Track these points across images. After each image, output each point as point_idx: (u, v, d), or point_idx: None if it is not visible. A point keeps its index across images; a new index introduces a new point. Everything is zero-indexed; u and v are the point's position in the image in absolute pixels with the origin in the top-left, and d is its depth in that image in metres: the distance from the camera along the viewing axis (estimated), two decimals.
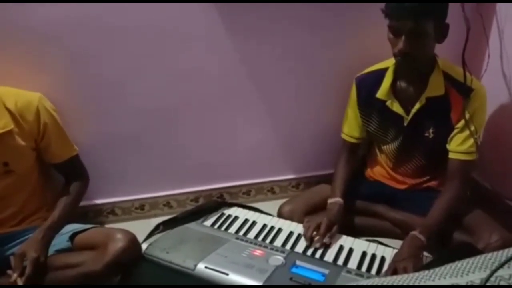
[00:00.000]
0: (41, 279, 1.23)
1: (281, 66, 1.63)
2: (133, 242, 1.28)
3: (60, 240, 1.32)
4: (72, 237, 1.33)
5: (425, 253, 1.33)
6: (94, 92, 1.52)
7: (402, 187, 1.56)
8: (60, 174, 1.47)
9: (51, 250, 1.29)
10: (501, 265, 0.67)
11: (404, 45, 1.27)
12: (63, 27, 1.40)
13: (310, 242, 1.39)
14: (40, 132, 1.33)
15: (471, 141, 1.37)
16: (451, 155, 1.41)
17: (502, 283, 0.67)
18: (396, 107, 1.42)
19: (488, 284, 0.65)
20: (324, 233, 1.38)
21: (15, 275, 1.17)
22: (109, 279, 1.27)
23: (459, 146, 1.38)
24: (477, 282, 0.69)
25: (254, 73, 1.62)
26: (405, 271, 1.22)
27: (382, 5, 1.29)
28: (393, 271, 1.25)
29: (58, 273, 1.25)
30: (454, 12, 1.33)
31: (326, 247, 1.38)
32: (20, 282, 1.16)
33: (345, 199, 1.48)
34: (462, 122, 1.37)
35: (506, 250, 0.74)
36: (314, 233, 1.39)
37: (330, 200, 1.48)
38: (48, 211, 1.38)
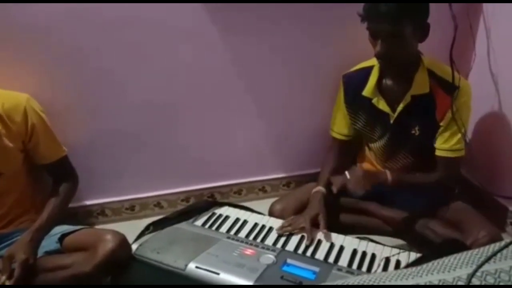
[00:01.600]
0: (30, 281, 1.22)
1: (272, 66, 1.63)
2: (122, 243, 1.28)
3: (49, 242, 1.31)
4: (61, 239, 1.32)
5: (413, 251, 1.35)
6: (82, 93, 1.52)
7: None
8: (49, 176, 1.45)
9: (40, 252, 1.28)
10: (486, 260, 0.67)
11: (381, 47, 1.27)
12: (55, 24, 1.39)
13: (281, 230, 1.43)
14: (28, 133, 1.32)
15: (457, 138, 1.39)
16: (437, 152, 1.42)
17: (488, 278, 0.68)
18: (382, 105, 1.43)
19: (473, 279, 0.66)
20: (311, 222, 1.39)
21: (3, 278, 1.16)
22: (100, 280, 1.27)
23: (444, 143, 1.40)
24: (464, 277, 0.69)
25: (244, 73, 1.62)
26: (349, 181, 1.34)
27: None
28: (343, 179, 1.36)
29: (47, 275, 1.24)
30: (441, 11, 1.35)
31: (317, 244, 1.38)
32: (8, 284, 1.15)
33: (331, 194, 1.47)
34: (447, 120, 1.38)
35: (492, 245, 0.75)
36: (303, 225, 1.41)
37: (313, 190, 1.49)
38: (37, 213, 1.36)
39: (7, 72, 1.40)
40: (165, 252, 1.33)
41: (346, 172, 1.38)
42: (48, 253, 1.30)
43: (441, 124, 1.39)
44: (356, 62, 1.51)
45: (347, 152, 1.63)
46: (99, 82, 1.51)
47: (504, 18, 1.53)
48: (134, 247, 1.35)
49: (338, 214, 1.53)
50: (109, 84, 1.53)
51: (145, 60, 1.52)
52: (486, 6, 1.60)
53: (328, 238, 1.41)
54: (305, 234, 1.40)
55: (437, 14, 1.31)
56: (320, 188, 1.49)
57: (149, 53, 1.51)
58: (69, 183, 1.44)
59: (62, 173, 1.44)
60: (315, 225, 1.41)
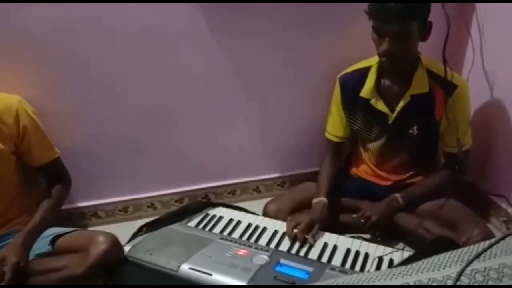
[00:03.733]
0: (22, 284, 1.21)
1: (266, 67, 1.63)
2: (115, 244, 1.27)
3: (41, 244, 1.30)
4: (53, 241, 1.31)
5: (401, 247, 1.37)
6: (76, 95, 1.51)
7: (386, 183, 1.57)
8: (42, 178, 1.44)
9: (32, 255, 1.28)
10: (474, 258, 0.67)
11: (388, 46, 1.28)
12: (51, 27, 1.38)
13: (293, 240, 1.39)
14: (20, 135, 1.32)
15: (462, 133, 1.41)
16: (446, 149, 1.47)
17: (477, 276, 0.68)
18: (381, 106, 1.43)
19: (462, 277, 0.66)
20: (304, 229, 1.38)
21: None
22: (92, 283, 1.26)
23: (452, 141, 1.41)
24: (453, 275, 0.69)
25: (238, 74, 1.61)
26: (368, 219, 1.41)
27: (366, 4, 1.29)
28: (360, 215, 1.43)
29: (39, 277, 1.24)
30: (437, 9, 1.35)
31: (310, 244, 1.37)
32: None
33: (329, 197, 1.48)
34: (449, 118, 1.39)
35: (481, 244, 0.75)
36: (295, 230, 1.39)
37: (314, 200, 1.48)
38: (30, 215, 1.36)
39: (3, 75, 1.39)
40: (158, 253, 1.32)
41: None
42: (40, 255, 1.29)
43: (442, 122, 1.40)
44: (351, 62, 1.51)
45: (342, 155, 1.64)
46: (93, 85, 1.51)
47: (497, 17, 1.54)
48: (127, 248, 1.35)
49: (332, 214, 1.52)
50: (104, 86, 1.51)
51: (140, 62, 1.51)
52: (479, 5, 1.60)
53: (321, 237, 1.41)
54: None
55: (432, 14, 1.31)
56: (322, 199, 1.47)
57: (144, 55, 1.51)
58: (62, 185, 1.44)
59: (55, 175, 1.43)
60: (310, 228, 1.40)
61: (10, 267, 1.17)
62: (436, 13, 1.33)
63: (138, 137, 1.62)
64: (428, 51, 1.41)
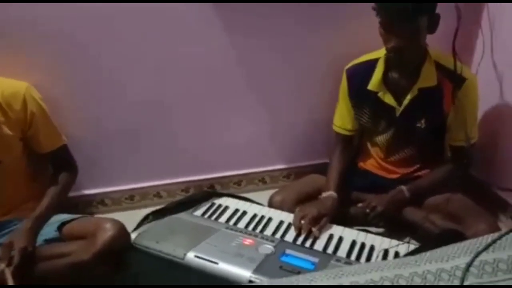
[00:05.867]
0: (29, 269, 1.22)
1: (272, 57, 1.62)
2: (121, 231, 1.28)
3: (48, 230, 1.31)
4: (60, 227, 1.32)
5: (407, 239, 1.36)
6: (84, 83, 1.51)
7: (394, 176, 1.56)
8: (49, 164, 1.45)
9: (39, 240, 1.29)
10: (483, 249, 0.67)
11: (396, 42, 1.27)
12: (56, 18, 1.38)
13: (299, 231, 1.39)
14: (27, 122, 1.32)
15: (471, 126, 1.40)
16: (452, 143, 1.46)
17: (486, 267, 0.68)
18: (388, 99, 1.42)
19: (471, 268, 0.66)
20: (311, 220, 1.38)
21: (2, 265, 1.16)
22: (98, 269, 1.26)
23: (459, 134, 1.41)
24: (462, 266, 0.69)
25: (244, 64, 1.61)
26: (373, 209, 1.41)
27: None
28: (365, 204, 1.43)
29: (46, 263, 1.25)
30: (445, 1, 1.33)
31: (316, 236, 1.38)
32: (8, 272, 1.15)
33: (340, 193, 1.48)
34: (457, 110, 1.37)
35: (490, 235, 0.75)
36: (303, 221, 1.39)
37: (324, 194, 1.47)
38: (37, 201, 1.36)
39: (10, 63, 1.40)
40: (164, 241, 1.33)
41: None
42: (47, 241, 1.30)
43: (451, 115, 1.39)
44: (358, 54, 1.50)
45: (351, 148, 1.63)
46: (99, 74, 1.51)
47: (509, 9, 1.52)
48: (133, 236, 1.36)
49: (339, 207, 1.52)
50: (110, 76, 1.52)
51: (146, 55, 1.52)
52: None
53: (327, 229, 1.41)
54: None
55: (441, 5, 1.29)
56: (332, 193, 1.47)
57: (151, 48, 1.51)
58: (69, 172, 1.44)
59: (62, 162, 1.44)
60: (317, 221, 1.40)
61: (18, 252, 1.18)
62: (446, 4, 1.32)
63: (145, 126, 1.62)
64: (437, 43, 1.39)
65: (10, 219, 1.35)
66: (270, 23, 1.56)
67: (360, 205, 1.46)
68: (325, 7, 1.56)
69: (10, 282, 1.13)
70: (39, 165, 1.47)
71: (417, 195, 1.45)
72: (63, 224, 1.33)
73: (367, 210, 1.42)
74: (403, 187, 1.45)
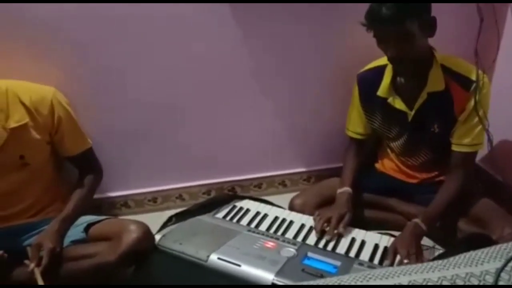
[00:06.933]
0: (57, 269, 1.25)
1: (291, 59, 1.63)
2: (146, 233, 1.30)
3: (75, 232, 1.34)
4: (86, 228, 1.35)
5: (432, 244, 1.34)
6: (105, 85, 1.54)
7: (413, 181, 1.55)
8: (74, 167, 1.48)
9: (67, 241, 1.32)
10: None
11: (391, 52, 1.26)
12: (71, 19, 1.41)
13: (321, 234, 1.39)
14: (54, 126, 1.35)
15: (474, 133, 1.36)
16: (454, 148, 1.40)
17: None
18: (399, 104, 1.41)
19: (502, 273, 0.66)
20: (336, 225, 1.38)
21: (32, 265, 1.19)
22: (123, 270, 1.29)
23: (462, 139, 1.38)
24: (492, 271, 0.69)
25: (264, 66, 1.62)
26: (407, 256, 1.25)
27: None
28: (394, 255, 1.28)
29: (73, 263, 1.27)
30: (467, 4, 1.32)
31: (338, 239, 1.38)
32: (37, 272, 1.18)
33: (354, 190, 1.48)
34: (465, 114, 1.35)
35: None
36: (325, 225, 1.40)
37: (339, 190, 1.48)
38: (63, 203, 1.39)
39: (32, 66, 1.43)
40: (187, 243, 1.34)
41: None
42: (74, 242, 1.33)
43: (459, 119, 1.37)
44: (372, 59, 1.49)
45: (365, 150, 1.62)
46: (119, 76, 1.54)
47: None
48: (157, 237, 1.38)
49: (359, 210, 1.52)
50: (130, 77, 1.55)
51: (162, 55, 1.53)
52: None
53: (349, 233, 1.41)
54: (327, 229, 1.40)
55: (463, 8, 1.28)
56: (347, 189, 1.48)
57: (164, 49, 1.53)
58: (94, 175, 1.47)
59: (87, 165, 1.47)
60: (341, 221, 1.40)
61: (47, 253, 1.21)
62: (466, 7, 1.30)
63: (167, 129, 1.64)
64: (455, 46, 1.37)
65: (38, 220, 1.38)
66: (285, 26, 1.56)
67: (386, 262, 1.30)
68: (340, 9, 1.56)
69: (40, 282, 1.16)
70: (65, 167, 1.51)
71: (432, 223, 1.38)
72: (89, 225, 1.35)
73: (405, 261, 1.27)
74: (418, 221, 1.35)
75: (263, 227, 1.46)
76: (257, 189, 1.81)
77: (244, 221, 1.49)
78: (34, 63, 1.44)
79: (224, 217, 1.52)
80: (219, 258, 1.27)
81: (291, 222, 1.48)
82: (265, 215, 1.53)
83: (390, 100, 1.42)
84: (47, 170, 1.41)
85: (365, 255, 1.31)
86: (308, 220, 1.48)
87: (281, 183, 1.83)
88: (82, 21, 1.42)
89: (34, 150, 1.33)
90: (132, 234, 1.26)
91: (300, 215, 1.51)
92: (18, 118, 1.27)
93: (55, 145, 1.39)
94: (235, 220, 1.50)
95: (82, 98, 1.50)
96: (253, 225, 1.47)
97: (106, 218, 1.38)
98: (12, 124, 1.26)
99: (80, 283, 1.30)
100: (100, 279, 1.29)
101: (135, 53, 1.51)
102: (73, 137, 1.41)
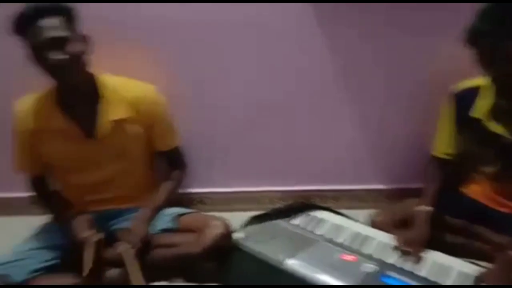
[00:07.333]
0: (145, 253, 1.34)
1: (378, 73, 1.61)
2: (229, 229, 1.36)
3: (165, 221, 1.42)
4: (175, 219, 1.42)
5: None
6: (196, 86, 1.62)
7: (506, 210, 1.46)
8: (163, 161, 1.55)
9: (156, 229, 1.40)
10: None
11: (502, 67, 1.21)
12: (178, 24, 1.51)
13: (402, 254, 1.36)
14: (151, 123, 1.42)
15: None
16: None
17: None
18: (496, 127, 1.34)
19: None
20: (419, 248, 1.35)
21: (128, 246, 1.30)
22: (206, 263, 1.35)
23: None
24: None
25: (349, 79, 1.62)
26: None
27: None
28: None
29: (160, 250, 1.35)
30: None
31: (420, 260, 1.34)
32: (132, 252, 1.28)
33: (435, 210, 1.43)
34: None
35: None
36: (408, 247, 1.36)
37: (419, 208, 1.43)
38: (150, 193, 1.48)
39: (138, 65, 1.54)
40: (265, 245, 1.38)
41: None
42: (163, 230, 1.40)
43: None
44: (461, 78, 1.43)
45: (447, 172, 1.55)
46: (215, 77, 1.61)
47: None
48: (238, 236, 1.42)
49: (445, 234, 1.46)
50: (225, 79, 1.61)
51: (263, 59, 1.59)
52: None
53: (432, 256, 1.36)
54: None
55: None
56: (428, 208, 1.43)
57: (255, 56, 1.59)
58: (181, 170, 1.55)
59: (176, 160, 1.55)
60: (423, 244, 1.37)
61: (140, 237, 1.31)
62: None
63: (252, 133, 1.69)
64: None
65: (125, 208, 1.47)
66: (373, 41, 1.55)
67: None
68: (431, 22, 1.52)
69: (132, 263, 1.26)
70: (154, 161, 1.59)
71: None
72: (178, 216, 1.43)
73: None
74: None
75: (340, 239, 1.45)
76: (335, 202, 1.79)
77: (320, 231, 1.49)
78: (141, 62, 1.55)
79: (301, 224, 1.53)
80: (296, 264, 1.29)
81: (370, 238, 1.46)
82: (343, 228, 1.52)
83: (486, 122, 1.35)
84: (142, 161, 1.49)
85: (446, 280, 1.26)
86: (388, 238, 1.44)
87: (360, 198, 1.80)
88: (188, 25, 1.52)
89: (132, 143, 1.42)
90: (217, 229, 1.31)
91: (380, 232, 1.48)
92: (121, 112, 1.36)
93: (150, 139, 1.46)
94: (309, 228, 1.51)
95: (173, 97, 1.56)
96: (329, 236, 1.47)
97: (194, 212, 1.45)
98: (116, 117, 1.35)
99: (162, 270, 1.37)
100: (181, 269, 1.37)
101: (230, 57, 1.58)
102: (166, 134, 1.49)
